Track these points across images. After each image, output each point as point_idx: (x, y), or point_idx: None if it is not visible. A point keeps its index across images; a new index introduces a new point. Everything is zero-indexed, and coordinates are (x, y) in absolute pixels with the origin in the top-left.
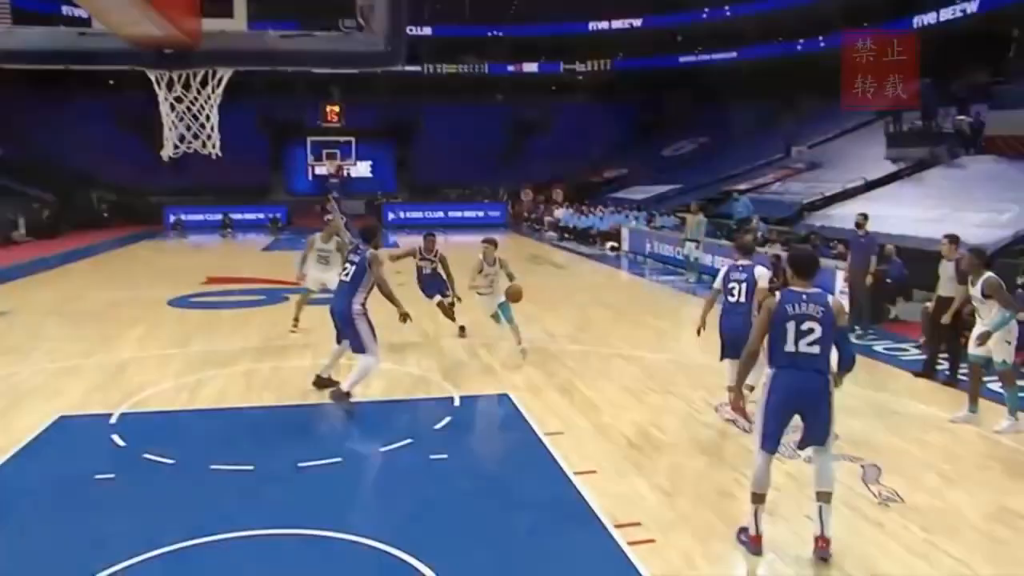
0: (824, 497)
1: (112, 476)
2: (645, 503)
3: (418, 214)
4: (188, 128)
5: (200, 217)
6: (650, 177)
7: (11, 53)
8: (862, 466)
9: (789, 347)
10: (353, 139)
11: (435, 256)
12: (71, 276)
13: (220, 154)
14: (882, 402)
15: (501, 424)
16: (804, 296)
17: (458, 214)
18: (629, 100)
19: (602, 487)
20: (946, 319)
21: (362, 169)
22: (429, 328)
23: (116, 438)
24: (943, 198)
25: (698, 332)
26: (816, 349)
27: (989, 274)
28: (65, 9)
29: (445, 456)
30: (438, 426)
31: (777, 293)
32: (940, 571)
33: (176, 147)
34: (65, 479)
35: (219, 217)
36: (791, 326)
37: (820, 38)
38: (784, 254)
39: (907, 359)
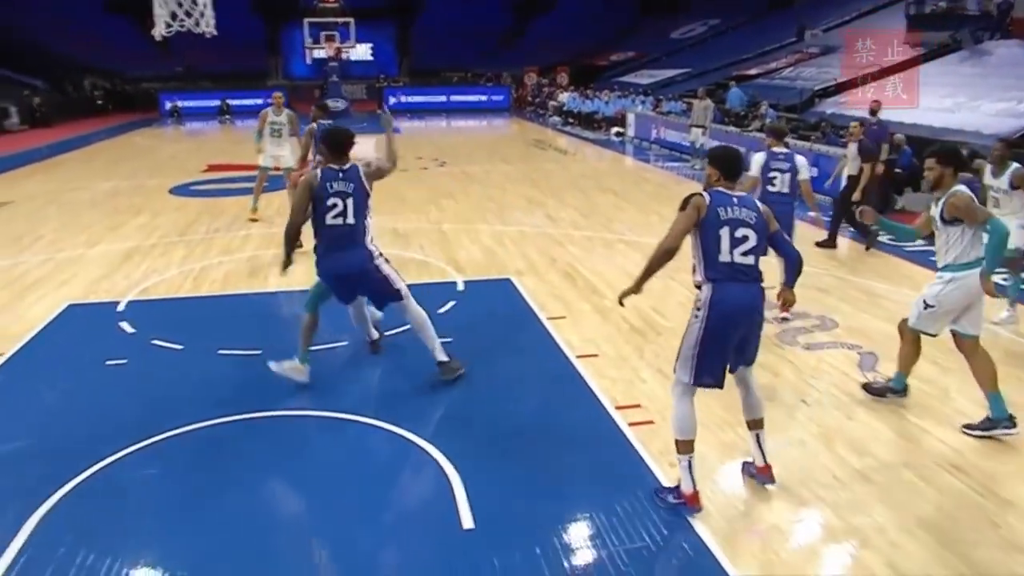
0: (758, 424)
1: (124, 361)
2: (645, 386)
3: (420, 98)
4: (180, 5)
5: (197, 104)
6: (658, 61)
7: None
8: (859, 354)
9: (724, 256)
10: (352, 20)
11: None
12: (68, 165)
13: (215, 32)
14: (882, 291)
15: (504, 308)
16: (735, 200)
17: (461, 98)
18: None
19: (603, 370)
20: (857, 195)
21: (362, 52)
22: (433, 214)
23: (125, 325)
24: (960, 85)
25: None
26: (751, 259)
27: (1017, 165)
28: None
29: (449, 340)
30: (442, 310)
31: (705, 193)
32: (929, 456)
33: (168, 25)
34: (78, 365)
35: (217, 103)
36: (725, 232)
37: None
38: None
39: (911, 249)
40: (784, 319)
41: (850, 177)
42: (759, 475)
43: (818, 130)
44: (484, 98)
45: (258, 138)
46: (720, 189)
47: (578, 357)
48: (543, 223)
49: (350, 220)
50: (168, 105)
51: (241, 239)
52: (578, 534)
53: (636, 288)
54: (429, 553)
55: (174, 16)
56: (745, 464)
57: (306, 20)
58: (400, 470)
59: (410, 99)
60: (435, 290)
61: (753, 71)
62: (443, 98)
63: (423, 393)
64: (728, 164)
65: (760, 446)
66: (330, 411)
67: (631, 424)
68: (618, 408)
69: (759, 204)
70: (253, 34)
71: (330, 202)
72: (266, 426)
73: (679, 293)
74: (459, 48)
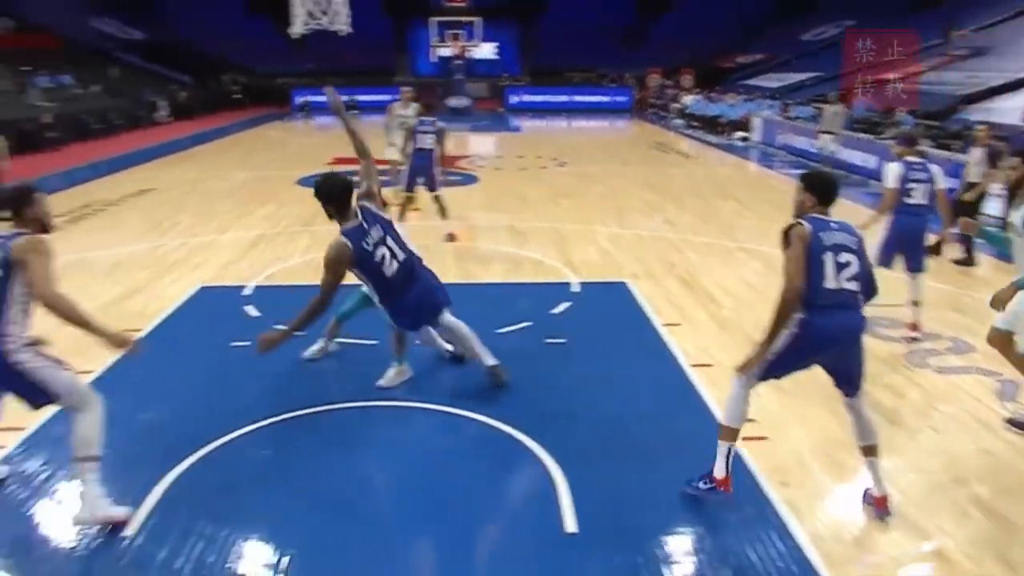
0: (871, 451)
1: (248, 344)
2: (761, 400)
3: (541, 98)
4: (316, 4)
5: (326, 99)
6: (787, 64)
7: None
8: (999, 381)
9: (830, 283)
10: (478, 20)
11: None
12: (206, 155)
13: (350, 30)
14: None
15: (618, 312)
16: (833, 225)
17: (583, 99)
18: None
19: (717, 380)
20: (970, 196)
21: (486, 50)
22: (551, 213)
23: (250, 309)
24: None
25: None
26: (855, 285)
27: None
28: None
29: (561, 341)
30: (556, 311)
31: (803, 221)
32: None
33: (305, 24)
34: (206, 345)
35: (345, 99)
36: (829, 258)
37: None
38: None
39: None
40: (914, 339)
41: (970, 184)
42: (875, 507)
43: (960, 138)
44: (606, 99)
45: (387, 132)
46: (816, 215)
47: (692, 366)
48: (661, 227)
49: (400, 255)
50: (298, 100)
51: None
52: (681, 547)
53: (764, 351)
54: (530, 554)
55: (311, 15)
56: (866, 491)
57: (433, 19)
58: (505, 467)
59: (532, 99)
60: (550, 290)
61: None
62: (564, 98)
63: (532, 391)
64: (825, 190)
65: (876, 474)
66: (437, 404)
67: (743, 439)
68: None
69: (856, 228)
70: (381, 33)
71: (377, 256)
72: (376, 414)
73: None
74: (582, 48)
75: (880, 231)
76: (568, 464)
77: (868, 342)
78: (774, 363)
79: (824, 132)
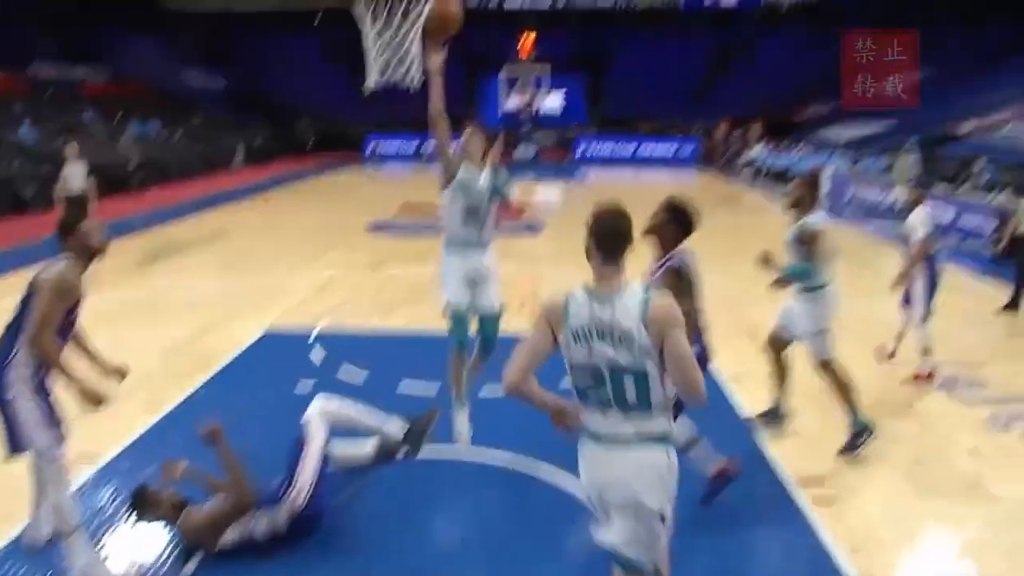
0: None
1: (311, 383)
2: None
3: (608, 147)
4: (392, 58)
5: (396, 146)
6: (862, 115)
7: None
8: None
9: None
10: (547, 66)
11: None
12: (279, 199)
13: (418, 88)
14: None
15: None
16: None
17: (649, 150)
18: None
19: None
20: None
21: (553, 102)
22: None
23: (315, 353)
24: None
25: None
26: None
27: None
28: None
29: None
30: None
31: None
32: None
33: (376, 81)
34: (270, 385)
35: (414, 147)
36: None
37: None
38: None
39: None
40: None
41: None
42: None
43: None
44: (674, 148)
45: None
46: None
47: (757, 416)
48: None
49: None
50: (370, 147)
51: (430, 278)
52: None
53: None
54: None
55: (385, 68)
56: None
57: (503, 72)
58: None
59: (598, 149)
60: None
61: (969, 126)
62: (631, 147)
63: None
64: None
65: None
66: (511, 449)
67: (814, 504)
68: (799, 483)
69: None
70: (453, 84)
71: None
72: (440, 466)
73: (874, 363)
74: (651, 98)
75: None
76: None
77: (937, 404)
78: None
79: (898, 183)
